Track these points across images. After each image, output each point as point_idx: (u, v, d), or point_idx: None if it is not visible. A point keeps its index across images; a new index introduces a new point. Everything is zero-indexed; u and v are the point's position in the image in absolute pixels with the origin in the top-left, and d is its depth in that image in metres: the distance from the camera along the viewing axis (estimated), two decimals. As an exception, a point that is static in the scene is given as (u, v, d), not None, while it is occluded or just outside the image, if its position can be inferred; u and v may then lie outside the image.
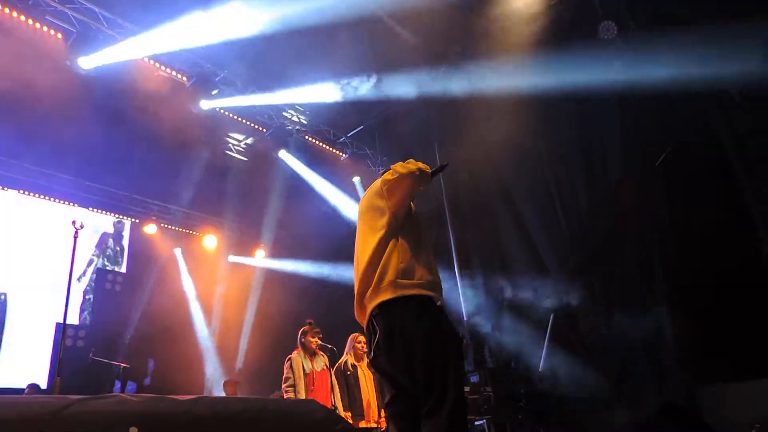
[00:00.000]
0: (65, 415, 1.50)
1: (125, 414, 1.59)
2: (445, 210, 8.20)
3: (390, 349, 2.40)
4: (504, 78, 6.48)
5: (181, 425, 1.62)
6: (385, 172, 3.07)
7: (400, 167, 2.61)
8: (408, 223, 2.66)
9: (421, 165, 2.65)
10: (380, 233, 2.57)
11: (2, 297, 6.62)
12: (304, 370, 5.42)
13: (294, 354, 5.53)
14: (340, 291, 8.02)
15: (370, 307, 2.50)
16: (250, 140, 8.38)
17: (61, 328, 4.36)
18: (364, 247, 2.62)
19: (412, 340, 2.34)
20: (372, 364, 2.61)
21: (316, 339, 5.61)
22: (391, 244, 2.54)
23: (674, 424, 2.69)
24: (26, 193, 7.25)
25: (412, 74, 7.25)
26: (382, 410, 5.57)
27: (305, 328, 5.66)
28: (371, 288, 2.51)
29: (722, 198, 5.72)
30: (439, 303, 2.51)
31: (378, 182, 2.72)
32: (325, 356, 5.72)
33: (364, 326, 2.59)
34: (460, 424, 2.27)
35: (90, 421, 1.53)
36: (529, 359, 6.88)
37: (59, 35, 6.47)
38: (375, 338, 2.47)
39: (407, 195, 2.67)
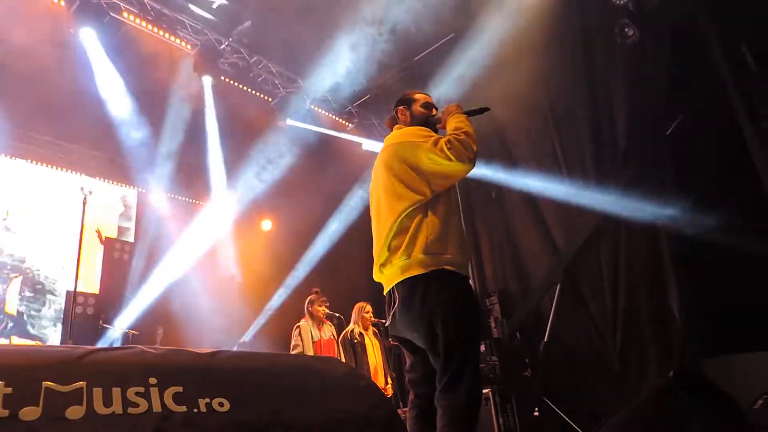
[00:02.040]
0: (84, 363, 1.51)
1: (144, 365, 1.60)
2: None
3: (410, 317, 2.32)
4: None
5: (202, 377, 1.63)
6: (397, 104, 2.73)
7: (455, 152, 2.29)
8: (442, 193, 2.44)
9: (472, 139, 2.36)
10: (409, 202, 2.36)
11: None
12: (312, 337, 5.50)
13: (302, 322, 5.61)
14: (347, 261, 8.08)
15: (395, 278, 2.37)
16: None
17: (72, 296, 4.42)
18: (389, 212, 2.41)
19: (433, 310, 2.26)
20: (390, 331, 2.56)
21: (324, 308, 5.68)
22: (420, 214, 2.35)
23: (688, 392, 2.66)
24: (37, 162, 7.28)
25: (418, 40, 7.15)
26: (389, 377, 5.65)
27: (312, 297, 5.73)
28: (396, 258, 2.35)
29: (733, 169, 5.65)
30: (463, 275, 2.38)
31: (420, 146, 2.41)
32: (332, 326, 5.79)
33: (385, 290, 2.48)
34: (477, 400, 2.23)
35: (109, 370, 1.54)
36: (535, 329, 6.91)
37: (62, 2, 6.39)
38: (394, 306, 2.38)
39: (456, 181, 2.47)
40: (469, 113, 2.54)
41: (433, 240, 2.31)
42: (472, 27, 6.75)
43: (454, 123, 2.45)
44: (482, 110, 2.60)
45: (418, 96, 2.74)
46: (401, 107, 2.72)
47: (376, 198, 2.56)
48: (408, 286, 2.32)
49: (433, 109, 2.72)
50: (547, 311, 6.82)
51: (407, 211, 2.35)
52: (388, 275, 2.42)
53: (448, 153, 2.30)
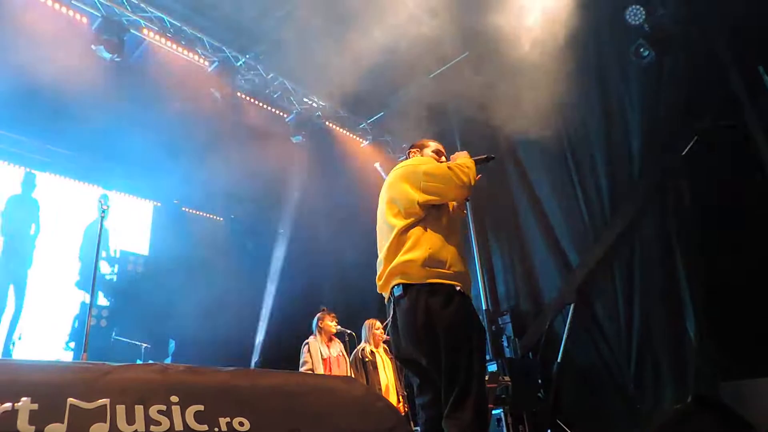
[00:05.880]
0: (108, 380, 1.52)
1: (166, 383, 1.60)
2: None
3: (412, 335, 2.37)
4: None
5: (222, 396, 1.64)
6: (411, 147, 2.99)
7: (455, 175, 2.52)
8: (440, 210, 2.61)
9: (472, 173, 2.56)
10: (409, 220, 2.52)
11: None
12: (321, 354, 5.46)
13: (311, 339, 5.58)
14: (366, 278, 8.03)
15: (393, 284, 2.47)
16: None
17: (86, 307, 4.45)
18: (389, 228, 2.57)
19: (436, 327, 2.31)
20: (393, 350, 2.61)
21: (334, 323, 5.65)
22: (420, 228, 2.49)
23: (707, 416, 2.64)
24: (56, 175, 7.39)
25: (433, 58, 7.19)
26: (401, 396, 5.60)
27: (321, 313, 5.71)
28: (396, 267, 2.46)
29: (750, 191, 5.60)
30: (464, 293, 2.45)
31: (418, 170, 2.62)
32: (340, 342, 5.76)
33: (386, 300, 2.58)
34: (484, 415, 2.25)
35: (131, 388, 1.55)
36: (548, 349, 6.84)
37: (84, 19, 6.50)
38: (394, 321, 2.46)
39: (447, 201, 2.63)
40: (477, 161, 2.71)
41: (432, 253, 2.43)
42: (486, 47, 6.78)
43: (461, 160, 2.66)
44: (488, 159, 2.80)
45: (431, 143, 2.98)
46: (414, 150, 2.98)
47: (379, 215, 2.73)
48: (407, 299, 2.40)
49: (442, 157, 2.93)
50: (561, 331, 6.76)
51: (405, 226, 2.50)
52: (388, 285, 2.51)
53: (445, 172, 2.53)
